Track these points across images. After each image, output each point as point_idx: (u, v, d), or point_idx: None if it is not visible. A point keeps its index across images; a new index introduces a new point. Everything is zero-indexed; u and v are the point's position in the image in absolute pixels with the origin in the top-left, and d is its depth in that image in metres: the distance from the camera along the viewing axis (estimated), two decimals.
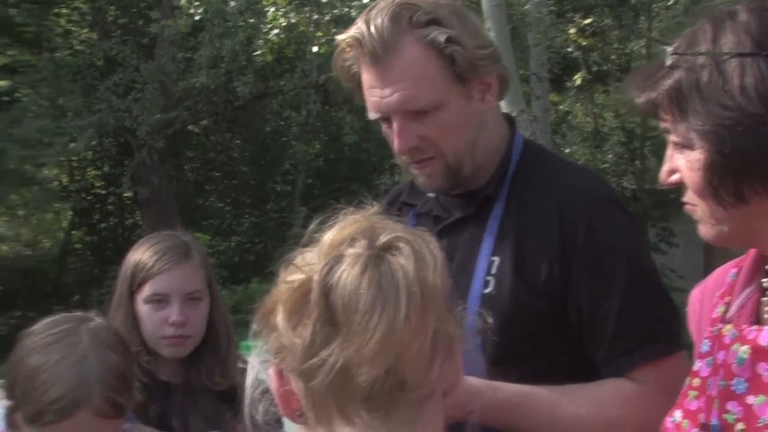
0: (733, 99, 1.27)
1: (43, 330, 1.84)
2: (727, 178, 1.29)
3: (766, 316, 1.37)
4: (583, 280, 1.78)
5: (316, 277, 1.08)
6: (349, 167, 16.81)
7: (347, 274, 1.06)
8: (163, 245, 2.23)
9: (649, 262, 1.90)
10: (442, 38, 1.78)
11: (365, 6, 1.86)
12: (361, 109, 1.91)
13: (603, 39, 13.98)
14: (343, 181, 15.85)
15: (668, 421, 1.42)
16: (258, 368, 1.21)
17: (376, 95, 1.82)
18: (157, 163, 14.22)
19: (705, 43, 1.32)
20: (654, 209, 13.15)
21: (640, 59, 14.34)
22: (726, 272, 1.49)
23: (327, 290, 1.07)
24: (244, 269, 15.39)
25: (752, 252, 1.43)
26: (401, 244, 1.09)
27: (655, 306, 1.81)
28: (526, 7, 10.16)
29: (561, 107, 17.21)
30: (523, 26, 10.39)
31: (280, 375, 1.13)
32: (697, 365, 1.41)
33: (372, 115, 1.86)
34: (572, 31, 12.51)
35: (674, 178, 1.37)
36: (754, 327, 1.34)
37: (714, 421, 1.34)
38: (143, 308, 2.20)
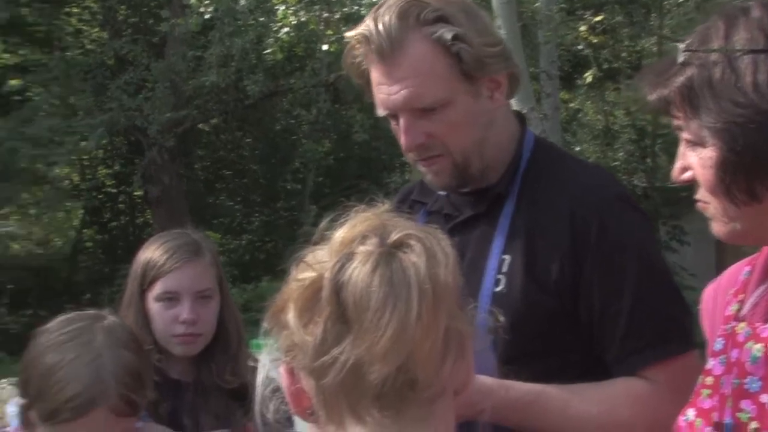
0: (745, 96, 1.26)
1: (57, 328, 1.85)
2: (739, 175, 1.28)
3: None
4: (595, 279, 1.78)
5: (327, 275, 1.08)
6: (359, 165, 16.82)
7: (359, 271, 1.06)
8: (173, 243, 2.23)
9: (660, 260, 1.89)
10: (448, 35, 1.77)
11: (375, 4, 1.86)
12: (371, 108, 1.91)
13: (614, 36, 13.94)
14: (354, 180, 15.86)
15: (681, 420, 1.41)
16: (269, 366, 1.21)
17: (383, 92, 1.82)
18: (167, 162, 14.26)
19: (717, 40, 1.31)
20: (665, 207, 13.10)
21: (651, 56, 14.30)
22: (739, 270, 1.48)
23: (338, 288, 1.06)
24: (254, 267, 15.43)
25: (766, 250, 1.42)
26: (413, 242, 1.09)
27: (666, 304, 1.80)
28: (537, 4, 10.13)
29: (571, 105, 17.18)
30: (533, 24, 10.37)
31: (291, 373, 1.13)
32: (710, 363, 1.40)
33: (380, 112, 1.87)
34: (583, 28, 12.46)
35: (687, 175, 1.37)
36: None
37: (727, 420, 1.33)
38: (154, 306, 2.20)
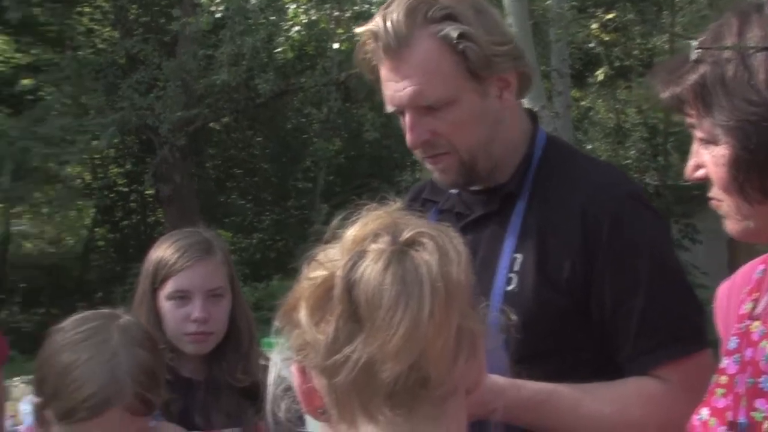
0: (758, 94, 1.25)
1: (72, 327, 1.85)
2: (752, 173, 1.28)
3: None
4: (607, 277, 1.77)
5: (339, 273, 1.08)
6: (370, 164, 16.83)
7: (371, 269, 1.06)
8: (185, 242, 2.23)
9: (673, 258, 1.88)
10: (454, 34, 1.77)
11: (385, 2, 1.86)
12: (382, 106, 1.91)
13: (625, 34, 13.90)
14: (364, 178, 15.87)
15: (695, 419, 1.40)
16: (280, 365, 1.20)
17: (390, 89, 1.83)
18: (178, 161, 14.30)
19: (731, 37, 1.30)
20: (677, 205, 13.06)
21: (663, 54, 14.26)
22: (753, 269, 1.47)
23: (350, 286, 1.06)
24: (265, 266, 15.47)
25: None
26: (425, 240, 1.08)
27: (679, 303, 1.79)
28: (548, 2, 10.12)
29: (583, 103, 17.14)
30: (544, 22, 10.35)
31: (303, 372, 1.13)
32: (725, 362, 1.40)
33: (388, 108, 1.87)
34: (594, 26, 12.43)
35: (700, 173, 1.36)
36: None
37: (741, 419, 1.32)
38: (165, 305, 2.21)
